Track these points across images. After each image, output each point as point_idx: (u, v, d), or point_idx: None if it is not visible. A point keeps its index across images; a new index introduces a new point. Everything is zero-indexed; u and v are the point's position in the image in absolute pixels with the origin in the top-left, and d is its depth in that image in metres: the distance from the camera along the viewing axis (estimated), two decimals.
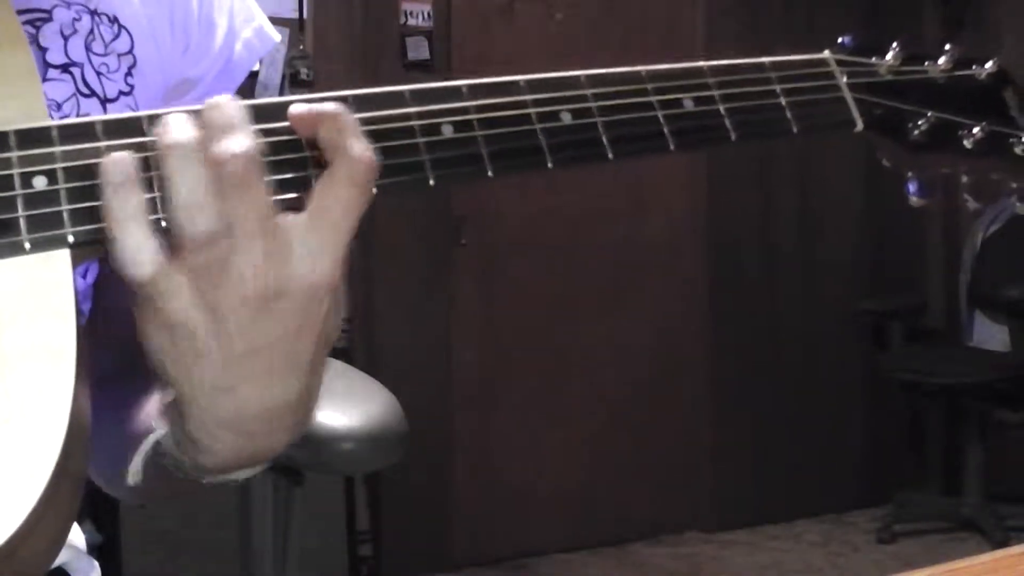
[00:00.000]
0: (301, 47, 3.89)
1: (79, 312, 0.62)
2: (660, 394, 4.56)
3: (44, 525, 0.59)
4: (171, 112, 0.65)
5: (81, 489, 0.64)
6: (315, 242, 0.64)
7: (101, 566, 1.01)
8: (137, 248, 0.62)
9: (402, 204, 4.02)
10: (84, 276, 0.91)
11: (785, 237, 4.76)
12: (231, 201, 0.62)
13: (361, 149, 0.64)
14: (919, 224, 4.99)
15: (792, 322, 4.77)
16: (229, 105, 0.64)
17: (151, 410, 0.75)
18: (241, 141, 0.62)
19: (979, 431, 4.50)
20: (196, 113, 0.64)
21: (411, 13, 4.11)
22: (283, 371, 0.66)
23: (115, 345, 0.83)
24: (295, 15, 3.88)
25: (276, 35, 1.04)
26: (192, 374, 0.65)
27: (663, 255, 4.56)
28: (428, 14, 4.12)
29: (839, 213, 4.85)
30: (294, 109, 0.66)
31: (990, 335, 4.56)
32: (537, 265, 4.33)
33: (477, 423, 4.28)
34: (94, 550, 1.03)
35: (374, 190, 0.65)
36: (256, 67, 3.76)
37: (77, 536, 0.99)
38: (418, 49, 4.10)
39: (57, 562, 0.94)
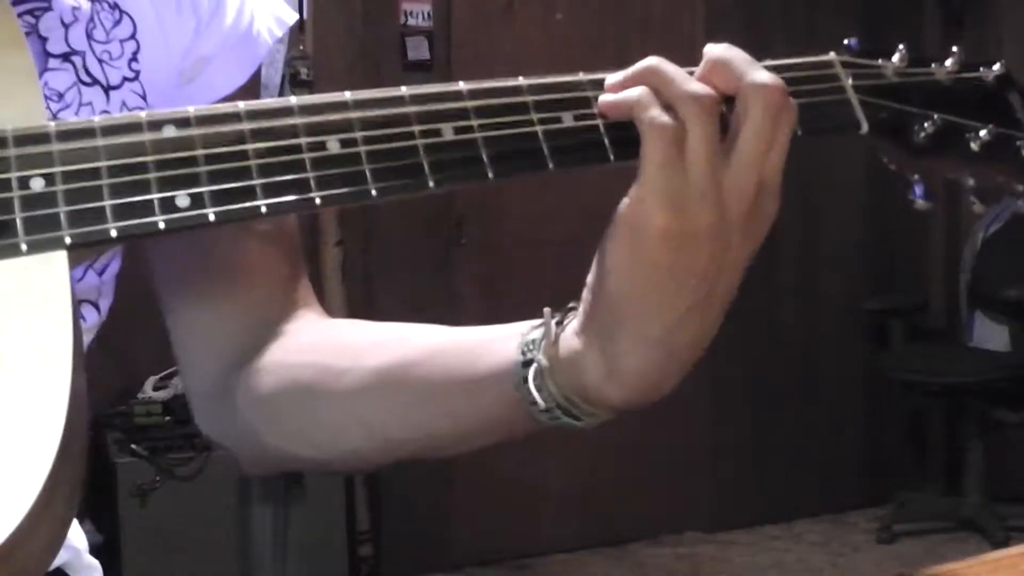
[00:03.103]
0: (301, 47, 3.88)
1: (77, 314, 0.62)
2: None
3: (40, 529, 0.59)
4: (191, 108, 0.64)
5: (78, 493, 0.64)
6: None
7: (101, 566, 1.01)
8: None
9: (402, 204, 4.01)
10: (101, 274, 0.90)
11: (787, 236, 4.76)
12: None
13: (765, 76, 0.70)
14: (921, 223, 4.98)
15: (793, 321, 4.77)
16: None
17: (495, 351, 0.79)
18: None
19: (979, 431, 4.49)
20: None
21: (411, 13, 4.10)
22: (726, 302, 0.77)
23: None
24: (295, 15, 3.88)
25: (292, 15, 1.04)
26: (668, 305, 0.73)
27: None
28: (428, 14, 4.12)
29: (841, 212, 4.85)
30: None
31: (990, 335, 4.56)
32: (538, 264, 4.33)
33: None
34: (94, 550, 1.03)
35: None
36: None
37: (77, 536, 0.99)
38: (418, 49, 4.10)
39: (57, 562, 0.94)
